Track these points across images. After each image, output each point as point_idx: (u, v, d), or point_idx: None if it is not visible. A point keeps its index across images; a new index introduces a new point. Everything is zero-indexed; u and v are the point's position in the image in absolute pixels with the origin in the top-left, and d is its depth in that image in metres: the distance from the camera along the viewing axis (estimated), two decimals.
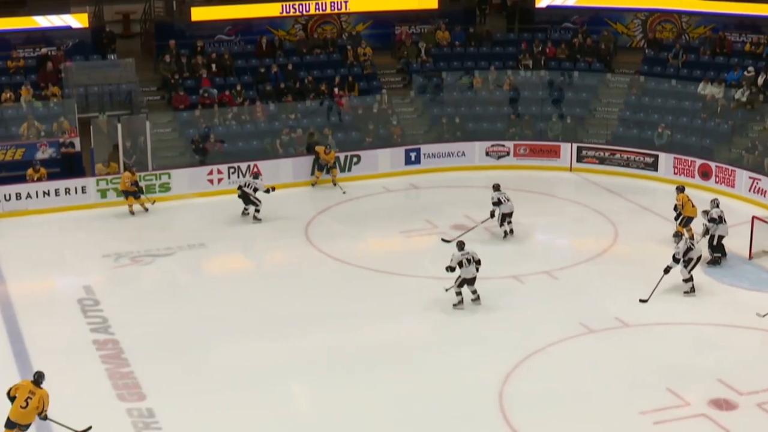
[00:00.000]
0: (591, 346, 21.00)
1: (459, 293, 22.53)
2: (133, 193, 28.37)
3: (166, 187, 29.85)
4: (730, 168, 30.09)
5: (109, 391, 19.11)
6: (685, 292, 23.22)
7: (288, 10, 35.76)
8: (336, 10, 36.32)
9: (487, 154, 32.80)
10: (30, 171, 28.89)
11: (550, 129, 33.44)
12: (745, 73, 32.60)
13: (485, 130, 33.49)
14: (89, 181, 29.25)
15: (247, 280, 24.64)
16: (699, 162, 30.74)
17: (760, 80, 32.20)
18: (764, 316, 21.24)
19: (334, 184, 30.59)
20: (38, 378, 16.91)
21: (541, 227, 27.82)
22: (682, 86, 33.52)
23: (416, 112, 34.47)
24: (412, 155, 32.30)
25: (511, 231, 26.77)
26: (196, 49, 34.13)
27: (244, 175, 30.16)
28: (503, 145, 32.86)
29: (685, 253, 23.02)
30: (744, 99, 31.93)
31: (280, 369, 20.03)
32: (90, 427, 17.21)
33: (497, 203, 26.41)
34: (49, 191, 28.80)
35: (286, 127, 32.15)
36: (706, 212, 25.01)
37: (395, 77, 35.96)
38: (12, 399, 16.69)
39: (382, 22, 37.29)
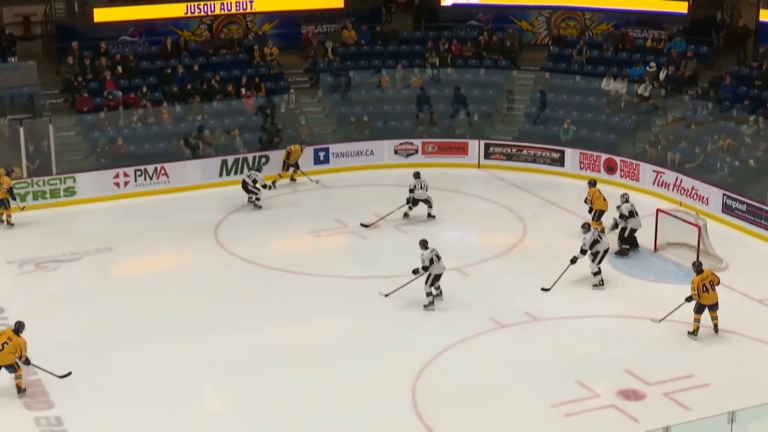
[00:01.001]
0: (502, 340, 21.18)
1: (430, 293, 22.40)
2: (4, 200, 27.35)
3: (71, 192, 29.39)
4: (635, 162, 30.57)
5: (15, 399, 18.72)
6: (594, 285, 23.56)
7: (193, 10, 35.44)
8: (241, 10, 36.09)
9: (396, 152, 32.89)
10: None
11: (457, 126, 33.63)
12: (648, 68, 33.13)
13: (393, 129, 33.56)
14: None
15: (157, 284, 24.34)
16: (604, 157, 31.18)
17: (662, 75, 32.76)
18: (660, 321, 21.56)
19: (310, 178, 31.11)
20: (18, 327, 18.86)
21: (451, 224, 27.93)
22: (586, 82, 33.95)
23: (324, 112, 34.40)
24: (321, 155, 32.24)
25: (430, 215, 27.50)
26: (100, 50, 33.60)
27: (150, 178, 29.99)
28: (412, 143, 32.97)
29: (592, 245, 23.34)
30: (647, 94, 32.45)
31: (191, 372, 19.83)
32: (70, 373, 19.01)
33: (412, 190, 27.10)
34: None
35: (193, 128, 31.85)
36: (618, 207, 25.38)
37: (302, 77, 35.82)
38: None
39: (288, 22, 37.13)
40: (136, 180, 30.12)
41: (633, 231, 25.32)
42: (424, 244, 22.45)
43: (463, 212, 28.78)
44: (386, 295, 22.80)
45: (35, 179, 28.99)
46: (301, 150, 31.25)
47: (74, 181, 29.48)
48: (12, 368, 18.71)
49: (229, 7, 35.77)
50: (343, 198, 30.25)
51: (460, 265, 24.67)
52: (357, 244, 26.52)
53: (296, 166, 31.15)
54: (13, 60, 33.08)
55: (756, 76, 31.44)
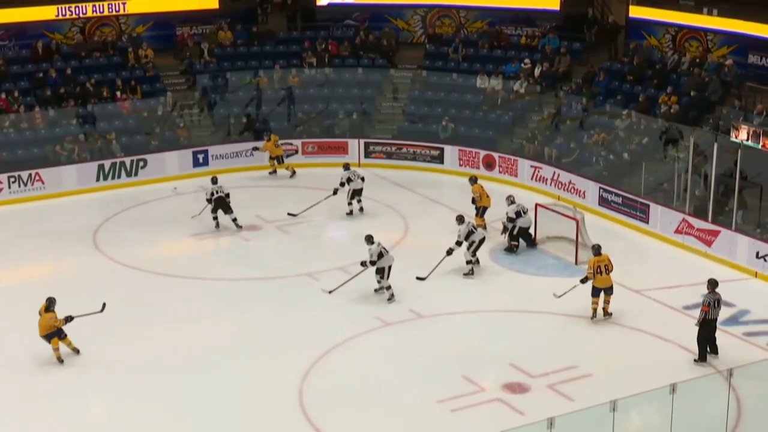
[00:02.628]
0: (387, 339, 21.25)
1: (389, 286, 22.67)
2: None
3: None
4: (513, 158, 31.01)
5: None
6: (465, 274, 24.03)
7: (64, 12, 34.74)
8: (114, 12, 35.50)
9: None
10: None
11: (337, 126, 33.66)
12: (522, 65, 33.63)
13: (273, 129, 33.39)
14: None
15: (36, 293, 23.55)
16: (483, 153, 31.55)
17: (537, 72, 33.29)
18: (560, 297, 21.96)
19: (291, 172, 31.63)
20: (48, 304, 19.90)
21: (333, 224, 27.93)
22: (463, 80, 34.29)
23: (202, 114, 34.08)
24: (200, 157, 31.95)
25: (361, 209, 28.00)
26: None
27: (25, 184, 29.34)
28: (291, 144, 32.88)
29: (468, 235, 23.73)
30: (522, 90, 32.95)
31: (75, 382, 19.46)
32: (104, 304, 20.29)
33: (347, 181, 27.61)
34: None
35: (68, 133, 31.25)
36: (507, 211, 25.51)
37: (179, 78, 35.44)
38: None
39: (162, 23, 36.69)
40: (9, 187, 29.46)
41: (525, 229, 25.54)
42: (369, 239, 22.68)
43: (345, 211, 28.77)
44: (330, 292, 22.83)
45: None
46: (276, 145, 31.40)
47: None
48: (50, 337, 19.86)
49: (101, 9, 35.22)
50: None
51: (344, 264, 24.68)
52: (240, 246, 26.34)
53: (277, 159, 31.41)
54: None
55: (627, 71, 32.16)
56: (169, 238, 27.20)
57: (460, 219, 24.18)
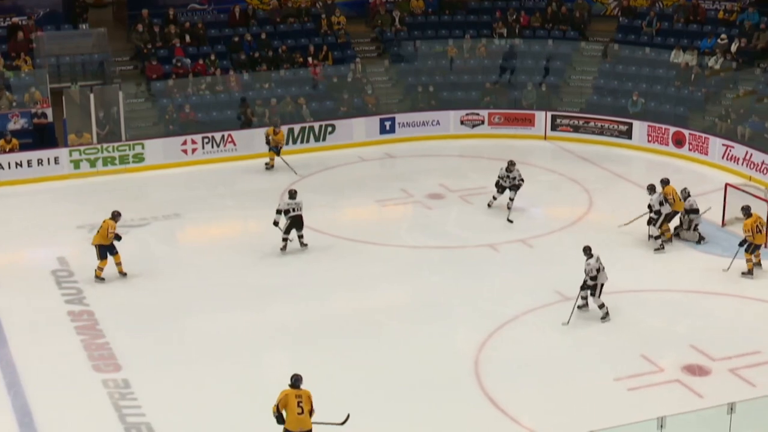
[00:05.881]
0: (566, 313, 21.04)
1: (603, 305, 20.60)
2: (109, 248, 22.70)
3: (139, 158, 29.70)
4: (704, 135, 30.19)
5: (84, 362, 19.07)
6: (656, 249, 23.72)
7: None
8: None
9: (462, 122, 32.78)
10: (1, 142, 28.68)
11: (524, 97, 33.43)
12: (719, 40, 32.65)
13: (460, 99, 33.45)
14: (62, 152, 29.07)
15: (222, 251, 24.52)
16: (673, 130, 30.83)
17: (734, 48, 32.27)
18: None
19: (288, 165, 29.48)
20: (297, 381, 15.91)
21: (517, 196, 27.73)
22: (656, 54, 33.56)
23: (391, 81, 34.37)
24: (387, 124, 32.24)
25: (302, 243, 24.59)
26: (169, 18, 33.85)
27: (218, 146, 30.21)
28: (478, 114, 32.84)
29: (660, 204, 23.54)
30: (718, 66, 32.00)
31: (254, 339, 19.99)
32: (348, 416, 16.06)
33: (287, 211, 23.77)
34: (21, 162, 28.59)
35: (260, 97, 32.02)
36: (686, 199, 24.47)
37: (369, 46, 35.82)
38: (280, 417, 15.74)
39: None
40: (203, 147, 30.37)
41: (696, 226, 24.57)
42: (588, 251, 20.69)
43: (529, 184, 28.44)
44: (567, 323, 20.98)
45: (105, 145, 29.36)
46: (275, 132, 29.60)
47: (143, 148, 29.79)
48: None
49: None
50: (408, 168, 30.24)
51: (525, 237, 24.65)
52: (422, 214, 26.52)
53: (278, 151, 29.73)
54: (84, 27, 33.54)
55: None
56: (353, 204, 27.62)
57: (651, 188, 23.79)
